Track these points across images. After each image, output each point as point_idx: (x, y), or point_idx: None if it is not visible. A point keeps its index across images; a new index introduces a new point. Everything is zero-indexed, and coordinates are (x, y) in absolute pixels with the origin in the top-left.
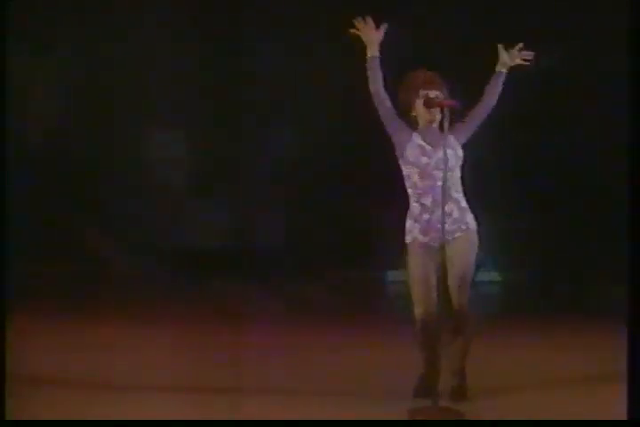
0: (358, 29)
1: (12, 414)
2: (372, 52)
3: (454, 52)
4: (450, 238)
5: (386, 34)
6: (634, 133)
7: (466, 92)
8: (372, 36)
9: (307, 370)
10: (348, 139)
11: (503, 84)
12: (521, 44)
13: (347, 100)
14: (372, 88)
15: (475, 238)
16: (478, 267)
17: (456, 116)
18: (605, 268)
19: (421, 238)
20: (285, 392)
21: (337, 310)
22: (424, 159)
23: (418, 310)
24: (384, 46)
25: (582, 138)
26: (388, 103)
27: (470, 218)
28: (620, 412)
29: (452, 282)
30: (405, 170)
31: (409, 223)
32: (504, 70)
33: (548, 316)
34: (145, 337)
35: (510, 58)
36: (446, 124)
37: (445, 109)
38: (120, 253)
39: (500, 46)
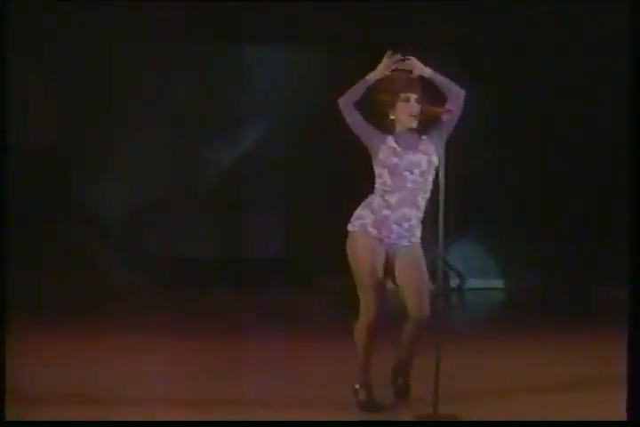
0: (385, 56)
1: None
2: (374, 76)
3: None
4: (399, 246)
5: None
6: (634, 138)
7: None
8: (386, 69)
9: (307, 379)
10: (351, 151)
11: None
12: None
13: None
14: (343, 101)
15: (420, 253)
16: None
17: (432, 122)
18: (605, 272)
19: (371, 231)
20: (285, 401)
21: (337, 319)
22: (394, 160)
23: (369, 309)
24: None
25: (582, 144)
26: (359, 116)
27: (419, 231)
28: (620, 413)
29: (409, 295)
30: (377, 169)
31: (361, 211)
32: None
33: (549, 320)
34: (144, 348)
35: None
36: (446, 131)
37: (444, 116)
38: (119, 265)
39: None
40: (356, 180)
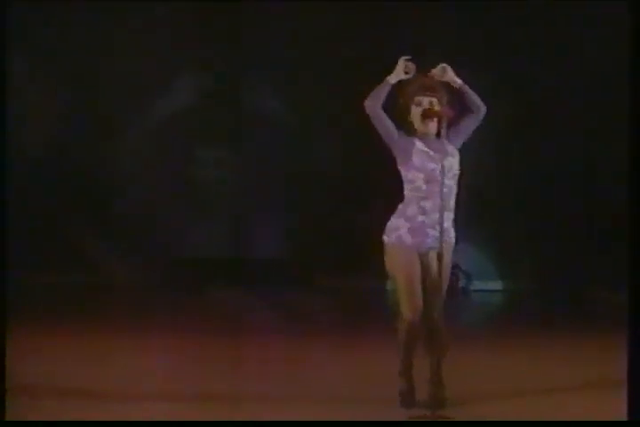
0: (401, 63)
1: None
2: (391, 79)
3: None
4: (431, 249)
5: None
6: (634, 138)
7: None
8: (402, 75)
9: (307, 378)
10: (350, 153)
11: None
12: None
13: (349, 114)
14: (369, 105)
15: (447, 255)
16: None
17: (452, 124)
18: (605, 273)
19: (408, 239)
20: (284, 400)
21: (338, 319)
22: (431, 165)
23: (406, 313)
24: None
25: (582, 145)
26: (387, 120)
27: (453, 233)
28: (620, 413)
29: (428, 292)
30: (409, 175)
31: (396, 222)
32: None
33: (549, 321)
34: (143, 348)
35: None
36: (443, 132)
37: (444, 118)
38: (120, 264)
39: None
40: (356, 180)
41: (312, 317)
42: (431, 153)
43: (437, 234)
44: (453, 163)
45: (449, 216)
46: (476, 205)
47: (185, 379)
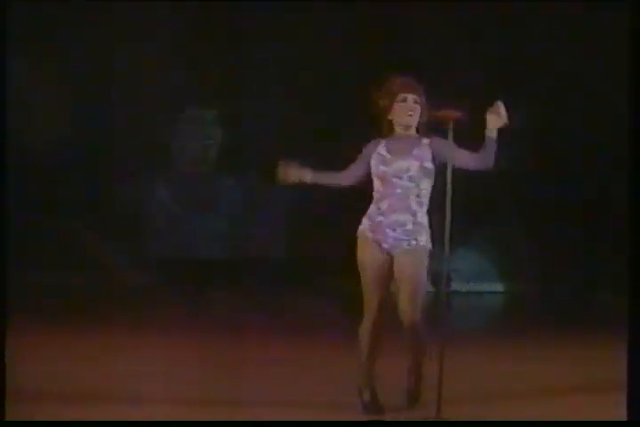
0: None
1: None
2: (307, 179)
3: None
4: (396, 250)
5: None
6: (634, 139)
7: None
8: (292, 178)
9: (307, 379)
10: (351, 152)
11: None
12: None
13: (349, 111)
14: (340, 184)
15: (424, 257)
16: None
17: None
18: (605, 275)
19: (369, 235)
20: (285, 401)
21: (338, 320)
22: (382, 168)
23: (368, 310)
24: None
25: (583, 147)
26: (357, 170)
27: (424, 236)
28: (619, 416)
29: (401, 297)
30: (372, 176)
31: (364, 218)
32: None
33: (549, 322)
34: (144, 348)
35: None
36: (451, 135)
37: (451, 122)
38: (120, 264)
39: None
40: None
41: (312, 317)
42: (388, 157)
43: (400, 236)
44: (411, 165)
45: (412, 219)
46: (476, 206)
47: (184, 380)
